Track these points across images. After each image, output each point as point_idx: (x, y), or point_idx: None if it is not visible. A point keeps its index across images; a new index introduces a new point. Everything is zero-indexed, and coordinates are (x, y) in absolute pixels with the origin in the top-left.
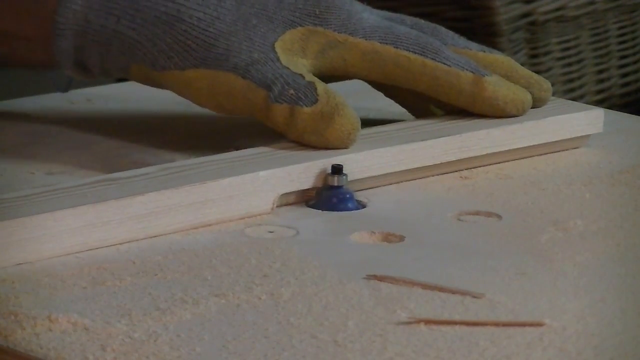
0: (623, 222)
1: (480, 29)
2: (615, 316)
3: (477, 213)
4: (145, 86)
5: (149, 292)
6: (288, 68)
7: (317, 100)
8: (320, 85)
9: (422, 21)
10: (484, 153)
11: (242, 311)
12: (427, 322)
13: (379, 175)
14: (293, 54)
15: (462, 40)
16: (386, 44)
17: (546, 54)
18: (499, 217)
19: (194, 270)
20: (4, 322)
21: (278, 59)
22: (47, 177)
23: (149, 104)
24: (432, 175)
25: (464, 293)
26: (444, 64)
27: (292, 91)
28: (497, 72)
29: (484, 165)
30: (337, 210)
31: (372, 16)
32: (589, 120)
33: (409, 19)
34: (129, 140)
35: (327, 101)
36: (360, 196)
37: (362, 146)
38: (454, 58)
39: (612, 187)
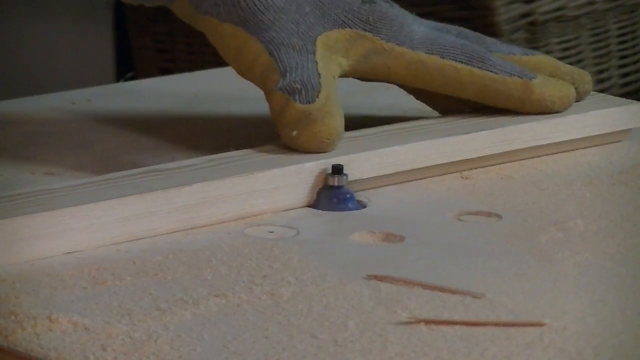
0: (623, 222)
1: (480, 29)
2: (615, 316)
3: (477, 213)
4: (144, 86)
5: (149, 292)
6: (316, 63)
7: (313, 101)
8: (325, 91)
9: (467, 30)
10: (526, 146)
11: (242, 311)
12: (427, 322)
13: (417, 169)
14: (333, 52)
15: (504, 47)
16: (432, 54)
17: (546, 54)
18: (499, 217)
19: (194, 270)
20: (4, 322)
21: (314, 52)
22: (47, 177)
23: (149, 104)
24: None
25: (464, 293)
26: (491, 71)
27: (297, 85)
28: (542, 72)
29: (523, 159)
30: (338, 210)
31: (421, 28)
32: (630, 114)
33: (455, 29)
34: (129, 140)
35: (321, 106)
36: (360, 196)
37: (408, 138)
38: (500, 65)
39: (612, 187)
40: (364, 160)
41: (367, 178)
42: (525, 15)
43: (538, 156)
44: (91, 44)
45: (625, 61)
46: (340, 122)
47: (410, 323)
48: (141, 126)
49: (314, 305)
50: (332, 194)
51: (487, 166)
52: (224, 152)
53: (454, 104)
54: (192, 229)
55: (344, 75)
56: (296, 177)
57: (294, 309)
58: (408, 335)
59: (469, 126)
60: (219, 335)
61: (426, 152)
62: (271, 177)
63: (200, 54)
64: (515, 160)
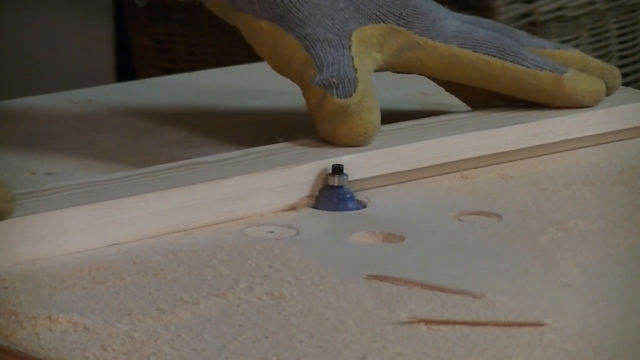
0: (623, 222)
1: None
2: (615, 316)
3: (477, 213)
4: (145, 86)
5: (149, 292)
6: (352, 58)
7: (350, 95)
8: (362, 86)
9: (499, 24)
10: (558, 140)
11: (242, 311)
12: (427, 322)
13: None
14: (368, 47)
15: (536, 40)
16: (465, 48)
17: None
18: (499, 217)
19: (194, 270)
20: (4, 322)
21: (349, 47)
22: (47, 177)
23: (149, 104)
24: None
25: (464, 293)
26: (523, 65)
27: (334, 80)
28: (572, 66)
29: (555, 152)
30: (338, 210)
31: (454, 21)
32: None
33: (486, 22)
34: (129, 140)
35: (358, 100)
36: (360, 196)
37: (441, 132)
38: (531, 59)
39: (613, 187)
40: (400, 153)
41: (389, 174)
42: (525, 15)
43: (569, 149)
44: (91, 44)
45: (625, 61)
46: (377, 117)
47: (410, 323)
48: (142, 126)
49: (314, 305)
50: (332, 194)
51: (488, 165)
52: (225, 152)
53: (485, 97)
54: (230, 221)
55: (378, 69)
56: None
57: (294, 309)
58: (408, 335)
59: (502, 120)
60: (219, 335)
61: (461, 146)
62: (309, 170)
63: (200, 54)
64: (544, 155)
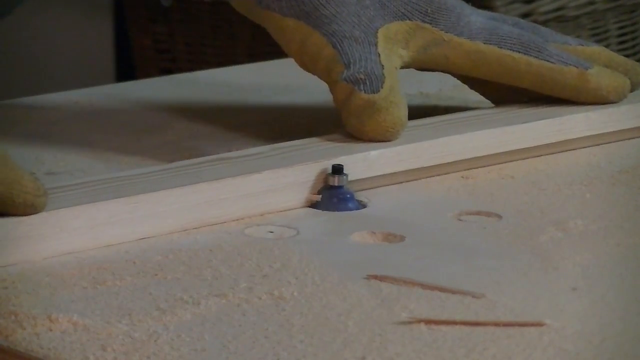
0: (623, 222)
1: None
2: (615, 316)
3: (477, 213)
4: (145, 86)
5: (149, 292)
6: (379, 55)
7: (378, 91)
8: (389, 82)
9: (522, 20)
10: (582, 135)
11: (242, 311)
12: (427, 322)
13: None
14: (394, 43)
15: (559, 36)
16: (490, 44)
17: None
18: (499, 217)
19: (194, 270)
20: (4, 322)
21: (376, 44)
22: (47, 177)
23: (149, 104)
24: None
25: (464, 293)
26: (548, 61)
27: (362, 76)
28: (596, 63)
29: (580, 148)
30: (338, 210)
31: (479, 18)
32: None
33: (510, 19)
34: (129, 140)
35: (385, 96)
36: (360, 196)
37: (467, 128)
38: (556, 54)
39: (612, 187)
40: (427, 148)
41: (403, 171)
42: (525, 15)
43: (592, 145)
44: (91, 44)
45: None
46: (404, 112)
47: (410, 323)
48: (142, 126)
49: (314, 305)
50: (332, 194)
51: (489, 165)
52: (228, 151)
53: (509, 93)
54: (260, 215)
55: (404, 66)
56: (362, 164)
57: (294, 309)
58: (408, 335)
59: (527, 116)
60: (219, 335)
61: (487, 141)
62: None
63: (200, 54)
64: (566, 150)
